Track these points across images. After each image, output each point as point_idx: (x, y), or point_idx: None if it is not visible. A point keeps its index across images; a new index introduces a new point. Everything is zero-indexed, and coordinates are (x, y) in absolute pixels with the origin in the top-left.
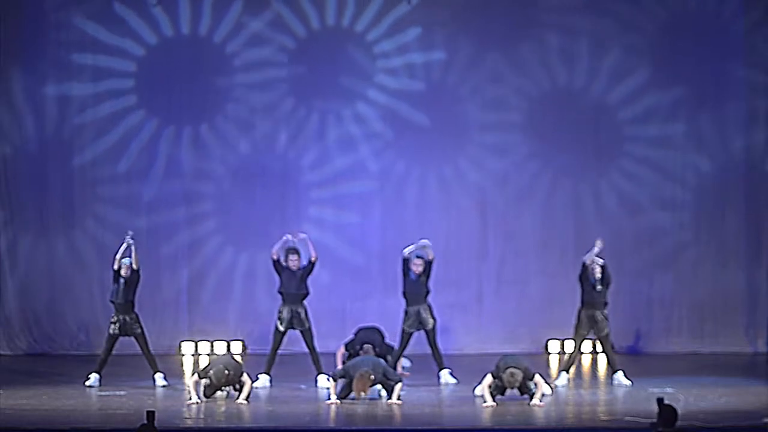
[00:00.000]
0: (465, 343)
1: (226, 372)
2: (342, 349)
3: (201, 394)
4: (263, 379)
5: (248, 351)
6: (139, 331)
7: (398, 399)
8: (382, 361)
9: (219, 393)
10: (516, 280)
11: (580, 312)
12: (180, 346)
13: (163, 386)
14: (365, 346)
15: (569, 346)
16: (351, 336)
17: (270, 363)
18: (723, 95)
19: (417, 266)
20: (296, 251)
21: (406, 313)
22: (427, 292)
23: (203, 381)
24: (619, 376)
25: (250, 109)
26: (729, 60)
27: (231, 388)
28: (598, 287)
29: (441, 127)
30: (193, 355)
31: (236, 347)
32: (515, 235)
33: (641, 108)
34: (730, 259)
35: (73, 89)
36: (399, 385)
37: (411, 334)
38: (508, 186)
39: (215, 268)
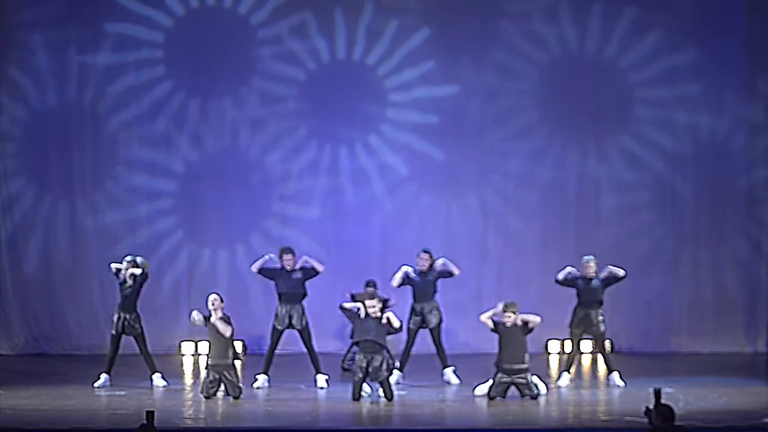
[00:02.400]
0: (465, 343)
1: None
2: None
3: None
4: (261, 379)
5: (247, 351)
6: (139, 330)
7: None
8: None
9: (218, 393)
10: (516, 280)
11: (575, 310)
12: (180, 346)
13: (162, 386)
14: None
15: (568, 346)
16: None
17: (268, 362)
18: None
19: (424, 261)
20: (290, 251)
21: (412, 310)
22: (435, 291)
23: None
24: (615, 376)
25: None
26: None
27: (225, 387)
28: (594, 284)
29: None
30: (193, 355)
31: (236, 347)
32: (515, 235)
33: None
34: (729, 259)
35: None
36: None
37: (416, 331)
38: (508, 186)
39: (216, 268)
